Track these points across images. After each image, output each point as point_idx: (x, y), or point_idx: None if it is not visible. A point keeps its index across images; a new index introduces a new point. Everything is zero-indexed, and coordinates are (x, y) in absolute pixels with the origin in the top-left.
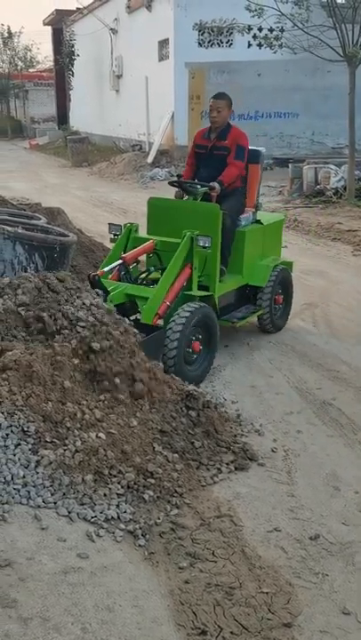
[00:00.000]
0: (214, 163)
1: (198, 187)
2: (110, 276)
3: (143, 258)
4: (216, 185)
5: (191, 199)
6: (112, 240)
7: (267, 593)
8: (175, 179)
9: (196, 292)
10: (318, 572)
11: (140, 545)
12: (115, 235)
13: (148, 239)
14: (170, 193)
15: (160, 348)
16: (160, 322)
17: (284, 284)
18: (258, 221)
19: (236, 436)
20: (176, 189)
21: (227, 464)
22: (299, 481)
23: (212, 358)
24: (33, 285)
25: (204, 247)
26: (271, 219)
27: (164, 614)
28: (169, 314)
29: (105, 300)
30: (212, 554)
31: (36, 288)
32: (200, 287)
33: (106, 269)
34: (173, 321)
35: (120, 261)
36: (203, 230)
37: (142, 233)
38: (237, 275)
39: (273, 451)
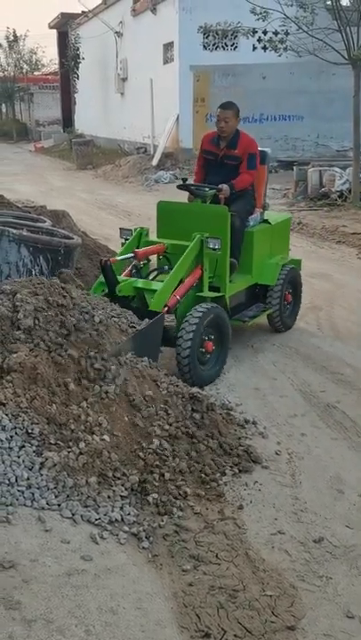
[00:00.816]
0: (225, 171)
1: (206, 189)
2: (122, 273)
3: (153, 262)
4: (225, 186)
5: (200, 202)
6: (123, 245)
7: (270, 596)
8: (181, 182)
9: (207, 293)
10: (322, 575)
11: (143, 547)
12: (126, 239)
13: (158, 242)
14: (174, 196)
15: (159, 336)
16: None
17: (293, 282)
18: (265, 221)
19: (240, 438)
20: (188, 193)
21: (230, 467)
22: (303, 484)
23: (224, 357)
24: (33, 307)
25: (214, 249)
26: (278, 218)
27: (168, 617)
28: (181, 314)
29: (113, 291)
30: (216, 556)
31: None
32: (211, 288)
33: (118, 258)
34: (187, 321)
35: (132, 254)
36: (212, 232)
37: (152, 237)
38: (247, 274)
39: (277, 453)
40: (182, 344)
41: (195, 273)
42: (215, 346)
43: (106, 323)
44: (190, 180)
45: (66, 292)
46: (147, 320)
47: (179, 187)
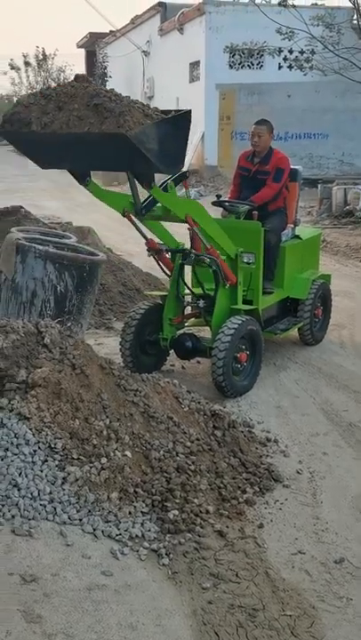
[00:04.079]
0: (256, 186)
1: (239, 206)
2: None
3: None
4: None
5: (234, 217)
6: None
7: (290, 616)
8: (216, 199)
9: (241, 306)
10: (342, 595)
11: (163, 564)
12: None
13: None
14: None
15: (185, 140)
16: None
17: (323, 297)
18: (297, 236)
19: (261, 456)
20: (222, 210)
21: (251, 485)
22: (324, 503)
23: (258, 369)
24: (57, 331)
25: (248, 263)
26: (309, 233)
27: (187, 634)
28: (215, 326)
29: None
30: (236, 575)
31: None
32: (244, 301)
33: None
34: (222, 332)
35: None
36: (246, 247)
37: None
38: (279, 288)
39: (298, 472)
40: (218, 354)
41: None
42: (249, 357)
43: (129, 104)
44: (224, 197)
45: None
46: (173, 111)
47: (213, 203)
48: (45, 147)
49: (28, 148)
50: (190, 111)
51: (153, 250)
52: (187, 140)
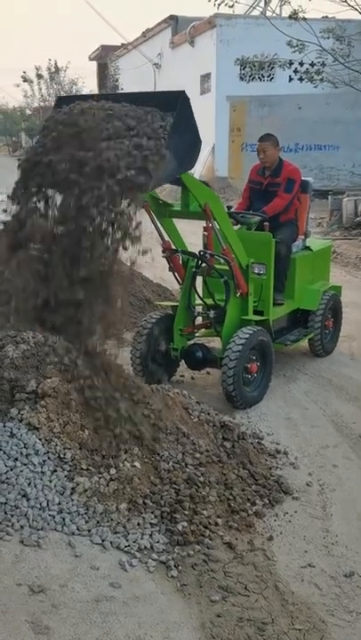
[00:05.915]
0: (268, 198)
1: (249, 217)
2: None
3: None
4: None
5: (245, 229)
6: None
7: (299, 630)
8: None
9: (252, 317)
10: (352, 610)
11: (172, 576)
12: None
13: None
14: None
15: (194, 125)
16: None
17: (334, 308)
18: (307, 248)
19: (270, 468)
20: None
21: (261, 497)
22: (334, 516)
23: (268, 380)
24: (65, 345)
25: (259, 274)
26: (320, 245)
27: None
28: (226, 337)
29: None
30: (245, 588)
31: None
32: (255, 312)
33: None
34: (233, 342)
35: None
36: (257, 258)
37: None
38: (289, 299)
39: (308, 485)
40: (228, 364)
41: (242, 282)
42: (259, 368)
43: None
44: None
45: None
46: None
47: None
48: None
49: None
50: (183, 92)
51: (168, 251)
52: (193, 120)
